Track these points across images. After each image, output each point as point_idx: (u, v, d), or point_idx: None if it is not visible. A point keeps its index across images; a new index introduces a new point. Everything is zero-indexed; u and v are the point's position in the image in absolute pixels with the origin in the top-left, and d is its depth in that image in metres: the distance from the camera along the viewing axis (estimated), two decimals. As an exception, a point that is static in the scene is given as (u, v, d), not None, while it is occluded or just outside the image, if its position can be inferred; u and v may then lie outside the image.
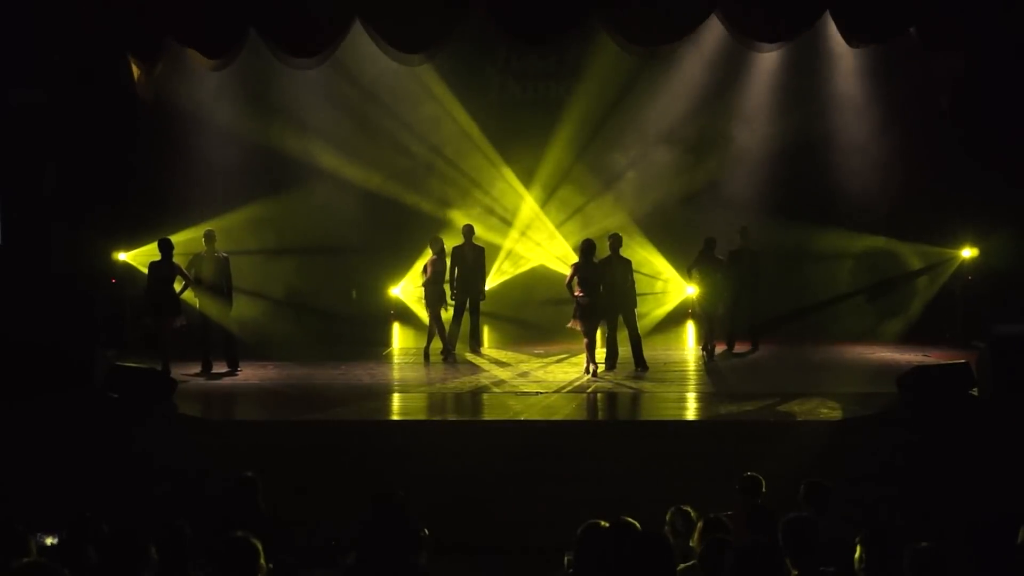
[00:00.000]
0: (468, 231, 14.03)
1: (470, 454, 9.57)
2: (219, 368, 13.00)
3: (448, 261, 13.62)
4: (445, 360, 13.55)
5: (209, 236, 13.03)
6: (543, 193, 16.22)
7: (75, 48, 13.41)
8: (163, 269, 12.39)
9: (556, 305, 14.58)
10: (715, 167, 15.96)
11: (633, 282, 12.87)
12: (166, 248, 12.45)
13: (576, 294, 12.31)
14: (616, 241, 12.82)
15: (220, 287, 12.89)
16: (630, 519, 5.16)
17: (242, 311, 14.02)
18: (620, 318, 12.82)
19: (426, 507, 7.26)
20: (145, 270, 12.99)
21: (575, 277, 12.34)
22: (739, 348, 14.31)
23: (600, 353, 12.87)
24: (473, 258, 13.89)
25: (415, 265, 15.21)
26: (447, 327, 13.69)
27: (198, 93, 15.19)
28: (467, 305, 13.88)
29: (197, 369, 12.91)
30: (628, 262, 12.89)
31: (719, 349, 14.05)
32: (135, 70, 13.22)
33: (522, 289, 15.95)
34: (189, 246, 13.77)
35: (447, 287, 13.68)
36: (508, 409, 11.08)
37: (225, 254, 13.09)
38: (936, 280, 15.39)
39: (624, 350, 12.94)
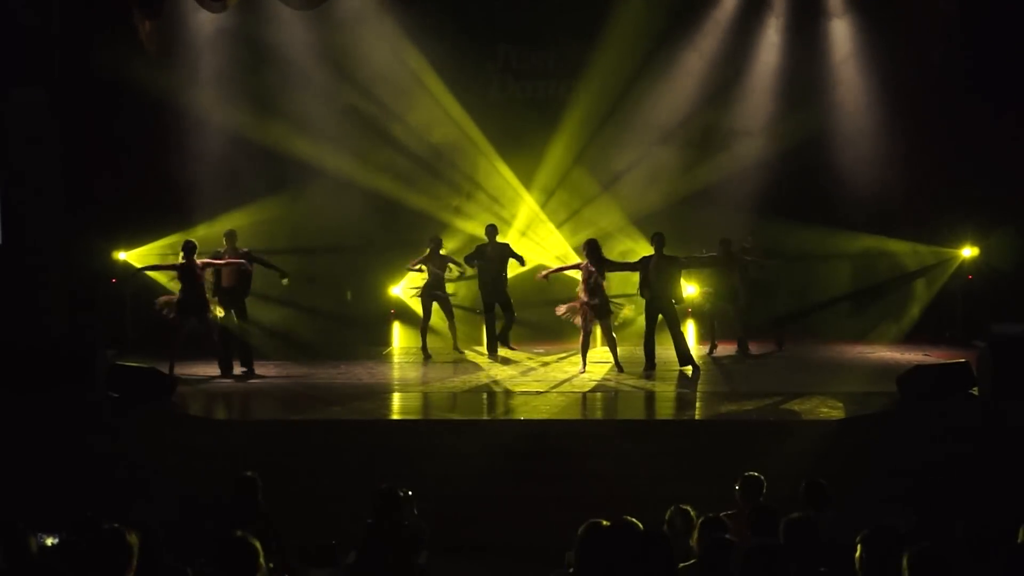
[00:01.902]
0: (491, 231, 13.96)
1: (470, 453, 9.56)
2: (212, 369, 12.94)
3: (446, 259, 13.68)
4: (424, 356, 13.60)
5: (230, 235, 12.86)
6: (543, 193, 16.20)
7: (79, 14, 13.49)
8: (188, 270, 12.35)
9: (555, 305, 14.60)
10: (715, 167, 15.94)
11: (679, 279, 12.75)
12: (188, 250, 12.39)
13: (582, 295, 12.34)
14: (659, 240, 12.72)
15: (243, 286, 12.78)
16: (631, 518, 5.15)
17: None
18: (660, 318, 12.75)
19: (426, 506, 7.25)
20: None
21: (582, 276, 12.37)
22: (727, 349, 14.27)
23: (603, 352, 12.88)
24: (497, 257, 13.81)
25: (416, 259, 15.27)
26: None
27: (199, 93, 15.21)
28: (495, 305, 13.84)
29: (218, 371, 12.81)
30: (674, 259, 12.76)
31: (744, 350, 14.09)
32: (141, 24, 13.34)
33: (522, 289, 15.91)
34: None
35: (451, 286, 13.73)
36: (509, 408, 11.09)
37: (246, 251, 12.94)
38: (936, 280, 15.39)
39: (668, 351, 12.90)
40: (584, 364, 12.56)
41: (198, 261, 12.35)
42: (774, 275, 14.33)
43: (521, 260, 14.06)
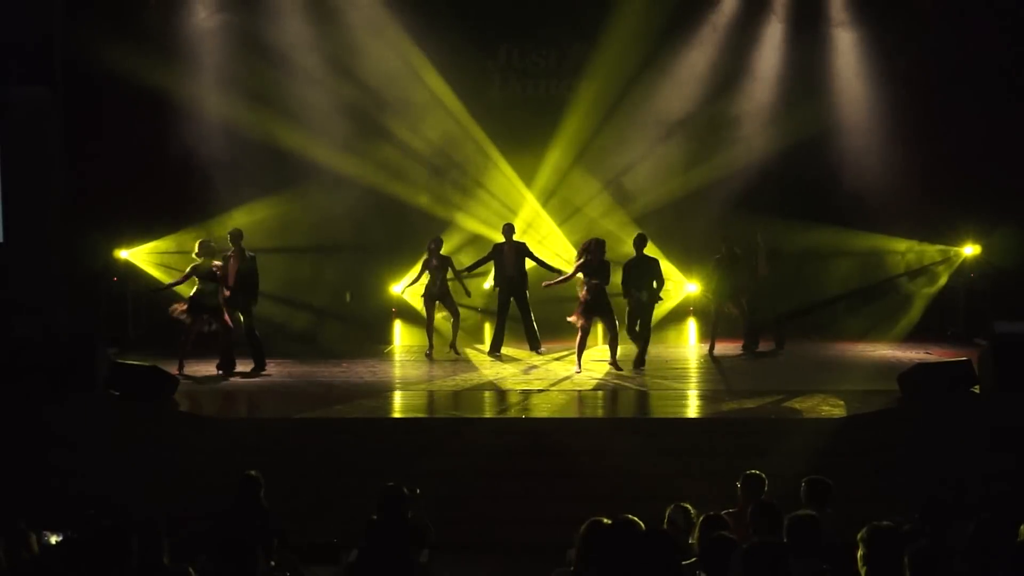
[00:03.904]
0: (507, 230, 13.83)
1: (471, 451, 9.57)
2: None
3: (448, 260, 13.62)
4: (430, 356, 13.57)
5: (235, 235, 12.72)
6: (544, 191, 16.21)
7: None
8: (203, 270, 12.33)
9: (558, 303, 14.58)
10: (717, 165, 15.96)
11: (659, 280, 12.73)
12: (206, 250, 12.37)
13: (581, 293, 12.31)
14: (639, 241, 12.75)
15: (250, 287, 12.71)
16: (632, 517, 5.15)
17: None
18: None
19: (427, 504, 7.25)
20: (147, 268, 13.02)
21: (579, 273, 12.34)
22: (728, 347, 14.28)
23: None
24: (513, 257, 13.71)
25: (417, 264, 15.25)
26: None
27: (200, 91, 15.22)
28: (509, 305, 13.75)
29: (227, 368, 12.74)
30: (652, 260, 12.76)
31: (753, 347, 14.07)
32: None
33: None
34: (188, 244, 13.76)
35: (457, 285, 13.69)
36: (510, 406, 11.09)
37: (252, 253, 12.80)
38: (938, 278, 15.39)
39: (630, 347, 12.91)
40: (579, 365, 12.51)
41: (213, 263, 12.34)
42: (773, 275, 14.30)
43: (540, 262, 13.91)
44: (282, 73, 15.45)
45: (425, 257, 13.55)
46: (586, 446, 9.75)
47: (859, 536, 4.80)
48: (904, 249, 15.67)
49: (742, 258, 13.79)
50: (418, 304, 14.62)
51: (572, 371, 12.49)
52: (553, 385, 11.91)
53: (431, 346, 13.74)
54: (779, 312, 14.34)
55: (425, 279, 13.65)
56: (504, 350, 13.96)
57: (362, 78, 15.63)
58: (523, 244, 13.92)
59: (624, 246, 14.83)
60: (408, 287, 14.33)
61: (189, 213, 15.07)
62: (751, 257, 14.04)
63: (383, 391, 11.96)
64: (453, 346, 13.77)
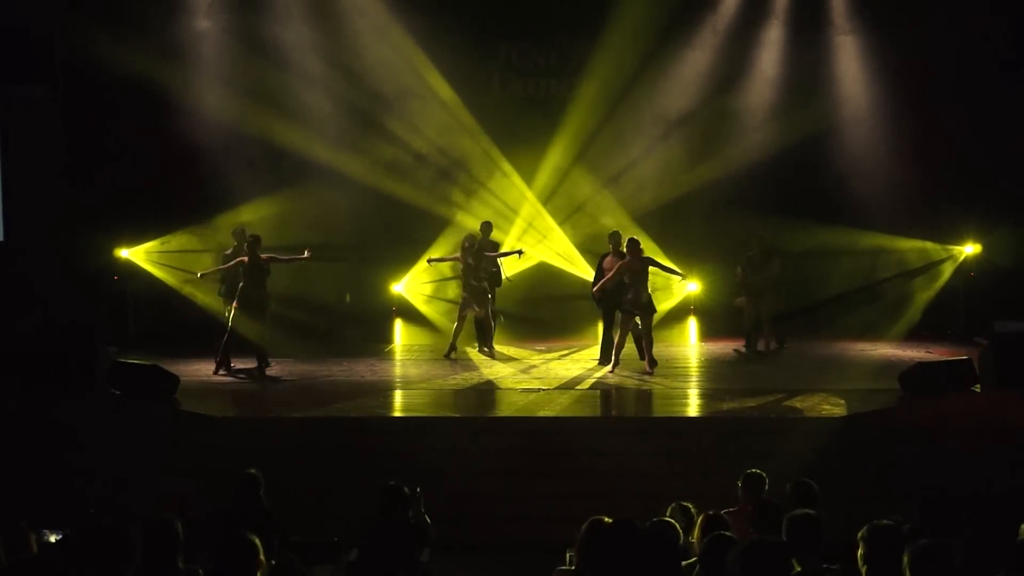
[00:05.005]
0: (485, 227, 13.90)
1: (472, 450, 9.58)
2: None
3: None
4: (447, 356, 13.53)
5: (239, 233, 12.74)
6: (545, 190, 16.20)
7: None
8: (255, 265, 12.28)
9: (559, 302, 14.59)
10: (717, 164, 15.94)
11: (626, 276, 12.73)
12: (255, 243, 12.30)
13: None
14: (613, 239, 12.81)
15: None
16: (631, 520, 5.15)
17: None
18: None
19: (428, 503, 7.25)
20: (147, 267, 13.00)
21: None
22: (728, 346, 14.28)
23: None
24: (479, 253, 13.72)
25: (419, 262, 15.27)
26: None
27: (201, 90, 15.21)
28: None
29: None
30: (621, 255, 12.83)
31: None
32: None
33: (524, 286, 15.87)
34: (186, 243, 13.77)
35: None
36: (510, 405, 11.09)
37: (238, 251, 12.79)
38: (938, 277, 15.38)
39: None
40: (613, 360, 12.43)
41: (262, 256, 12.30)
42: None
43: (499, 258, 13.90)
44: (281, 70, 15.43)
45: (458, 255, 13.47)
46: (586, 445, 9.76)
47: (859, 535, 4.80)
48: (904, 248, 15.65)
49: (773, 256, 13.79)
50: (419, 302, 14.62)
51: (578, 368, 12.49)
52: (553, 384, 11.90)
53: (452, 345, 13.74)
54: (778, 311, 14.35)
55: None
56: (504, 350, 13.94)
57: (363, 77, 15.62)
58: (496, 244, 13.88)
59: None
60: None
61: (190, 212, 15.05)
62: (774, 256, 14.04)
63: (384, 390, 11.97)
64: (483, 348, 13.72)
